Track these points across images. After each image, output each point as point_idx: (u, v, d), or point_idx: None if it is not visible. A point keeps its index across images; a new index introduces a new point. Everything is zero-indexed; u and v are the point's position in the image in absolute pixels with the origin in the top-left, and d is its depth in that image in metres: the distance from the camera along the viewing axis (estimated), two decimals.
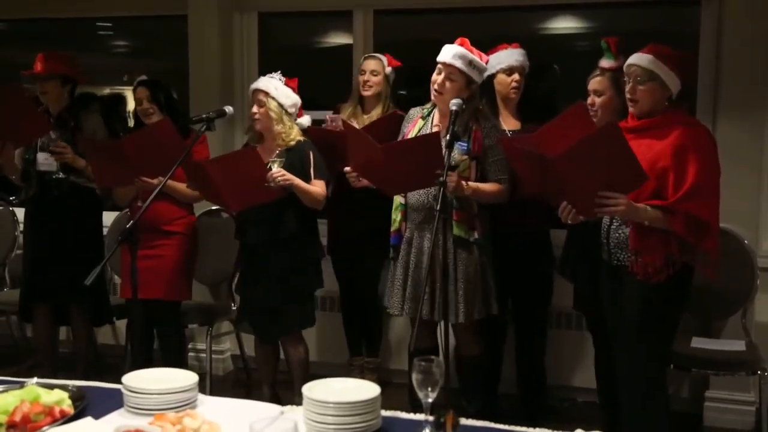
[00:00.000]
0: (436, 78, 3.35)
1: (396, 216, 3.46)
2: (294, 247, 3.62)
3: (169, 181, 3.59)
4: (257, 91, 3.64)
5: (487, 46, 3.78)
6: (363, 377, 3.89)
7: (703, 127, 3.02)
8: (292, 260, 3.62)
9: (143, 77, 3.94)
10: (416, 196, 3.37)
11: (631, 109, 2.99)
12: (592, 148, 2.64)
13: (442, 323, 3.11)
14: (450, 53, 3.31)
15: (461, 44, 3.34)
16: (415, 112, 3.55)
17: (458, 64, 3.29)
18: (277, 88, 3.63)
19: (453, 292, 3.28)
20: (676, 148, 2.83)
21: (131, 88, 4.03)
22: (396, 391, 3.79)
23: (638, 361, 2.99)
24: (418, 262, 3.35)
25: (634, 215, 2.83)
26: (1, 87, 3.91)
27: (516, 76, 3.69)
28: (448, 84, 3.31)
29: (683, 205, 2.79)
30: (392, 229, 3.47)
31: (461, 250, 3.31)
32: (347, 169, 3.40)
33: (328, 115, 3.99)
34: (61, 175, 4.01)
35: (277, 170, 3.46)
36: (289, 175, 3.47)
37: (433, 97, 3.40)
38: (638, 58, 2.94)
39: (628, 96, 2.97)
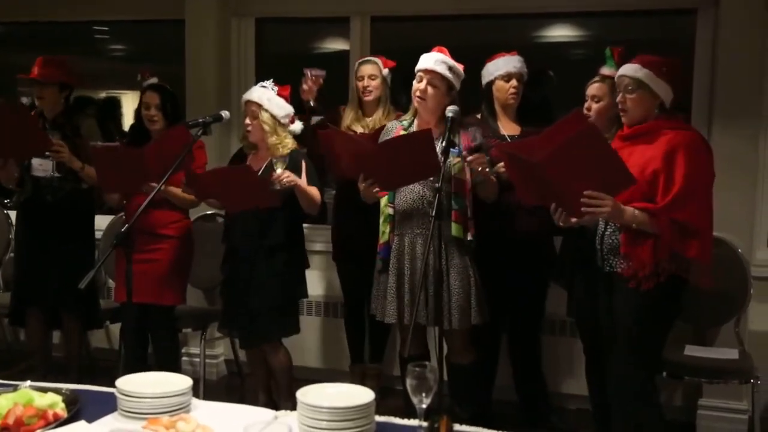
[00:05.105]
0: (418, 85, 3.35)
1: (384, 228, 3.44)
2: (278, 255, 3.62)
3: (171, 188, 3.63)
4: (250, 102, 3.63)
5: (484, 53, 3.81)
6: (364, 383, 3.89)
7: (694, 131, 3.04)
8: (276, 268, 3.62)
9: (154, 80, 3.93)
10: (408, 202, 3.37)
11: (623, 118, 3.02)
12: (574, 149, 2.66)
13: (436, 329, 3.10)
14: (431, 60, 3.34)
15: (439, 51, 3.37)
16: (394, 125, 3.52)
17: (440, 69, 3.31)
18: (270, 99, 3.61)
19: (447, 298, 3.29)
20: (665, 153, 2.85)
21: (127, 92, 4.03)
22: (396, 397, 3.78)
23: (628, 369, 3.00)
24: (413, 268, 3.34)
25: (619, 217, 2.85)
26: (4, 106, 3.94)
27: (514, 83, 3.72)
28: (430, 90, 3.33)
29: (669, 211, 2.80)
30: (381, 241, 3.44)
31: (456, 255, 3.32)
32: (363, 180, 3.31)
33: (308, 71, 3.92)
34: (57, 174, 3.98)
35: (282, 172, 3.47)
36: (293, 177, 3.48)
37: (415, 104, 3.40)
38: (627, 69, 3.00)
39: (619, 106, 3.01)
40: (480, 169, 3.22)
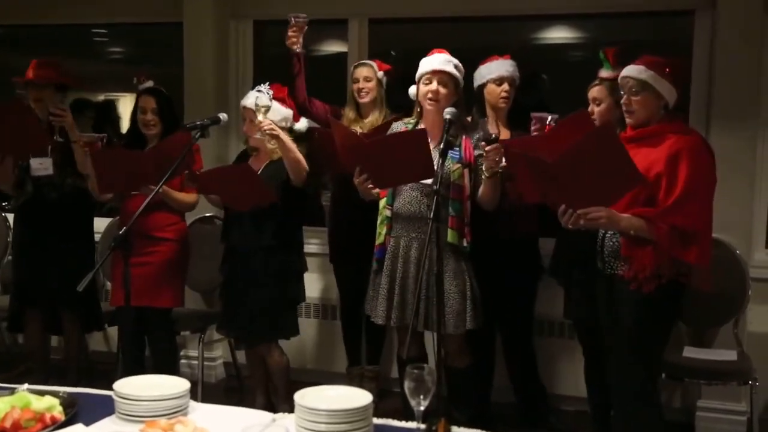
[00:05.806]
0: (429, 87, 3.31)
1: (381, 230, 3.43)
2: (275, 256, 3.62)
3: (171, 191, 3.63)
4: (247, 108, 3.63)
5: (481, 55, 3.81)
6: (362, 386, 3.89)
7: (697, 135, 3.04)
8: (273, 269, 3.62)
9: (150, 83, 3.93)
10: (407, 205, 3.35)
11: (627, 120, 3.02)
12: (588, 149, 2.67)
13: (434, 332, 3.10)
14: (438, 60, 3.33)
15: (441, 53, 3.37)
16: (399, 126, 3.50)
17: (448, 68, 3.31)
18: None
19: (442, 302, 3.27)
20: (669, 156, 2.85)
21: (125, 95, 4.03)
22: (394, 399, 3.77)
23: (628, 370, 3.00)
24: (406, 271, 3.34)
25: (616, 226, 2.86)
26: (4, 103, 3.94)
27: (506, 86, 3.71)
28: (442, 90, 3.31)
29: (668, 215, 2.80)
30: (377, 242, 3.44)
31: (451, 260, 3.31)
32: (358, 175, 3.30)
33: (292, 16, 3.91)
34: (60, 138, 3.94)
35: (264, 119, 3.45)
36: (276, 128, 3.46)
37: (427, 107, 3.35)
38: (631, 70, 2.98)
39: (624, 108, 3.00)
40: (498, 159, 3.16)
